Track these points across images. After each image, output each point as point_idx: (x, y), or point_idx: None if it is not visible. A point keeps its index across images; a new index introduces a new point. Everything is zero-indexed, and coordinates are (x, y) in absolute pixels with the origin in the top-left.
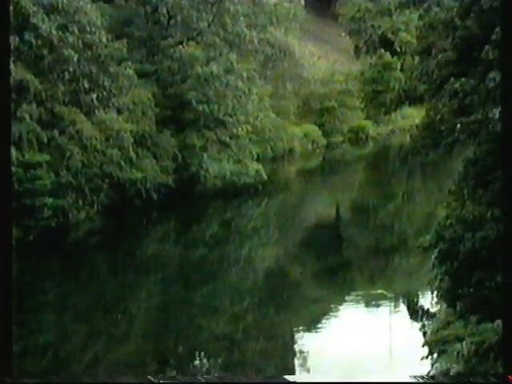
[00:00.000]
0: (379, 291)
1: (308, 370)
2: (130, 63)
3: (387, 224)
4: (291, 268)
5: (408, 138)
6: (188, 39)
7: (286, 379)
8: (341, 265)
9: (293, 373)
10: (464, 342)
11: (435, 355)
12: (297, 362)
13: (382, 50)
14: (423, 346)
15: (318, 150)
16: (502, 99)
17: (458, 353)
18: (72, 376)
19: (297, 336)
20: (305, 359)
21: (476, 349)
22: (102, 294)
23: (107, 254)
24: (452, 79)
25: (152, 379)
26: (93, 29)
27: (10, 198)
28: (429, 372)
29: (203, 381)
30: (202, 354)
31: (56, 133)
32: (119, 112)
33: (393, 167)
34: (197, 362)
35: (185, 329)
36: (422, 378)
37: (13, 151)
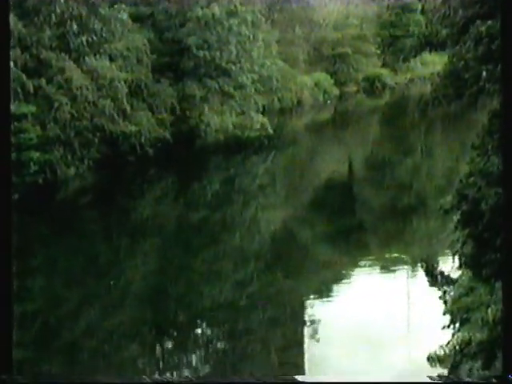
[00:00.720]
0: (396, 255)
1: (318, 340)
2: (123, 6)
3: (405, 182)
4: (300, 230)
5: (428, 87)
6: None
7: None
8: (354, 227)
9: (301, 343)
10: (489, 309)
11: (457, 324)
12: (306, 331)
13: None
14: (444, 315)
15: (329, 101)
16: (502, 99)
17: (482, 320)
18: (71, 376)
19: (306, 304)
20: (315, 329)
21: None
22: (95, 258)
23: (99, 214)
24: (478, 22)
25: (147, 379)
26: None
27: (10, 198)
28: (449, 342)
29: (195, 381)
30: (204, 323)
31: (43, 82)
32: (112, 59)
33: (411, 119)
34: (198, 332)
35: (185, 296)
36: (440, 377)
37: None
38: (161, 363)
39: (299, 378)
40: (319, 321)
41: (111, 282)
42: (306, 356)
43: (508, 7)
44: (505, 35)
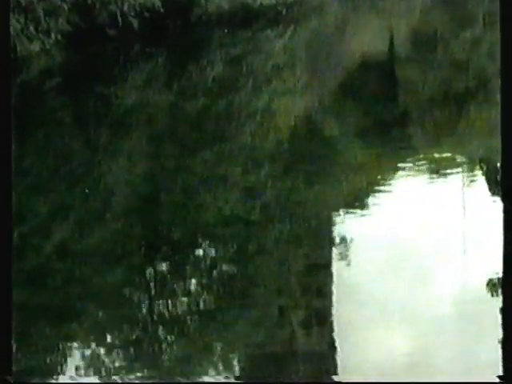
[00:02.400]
0: (448, 155)
1: (349, 263)
2: None
3: (461, 60)
4: (327, 124)
5: None
6: None
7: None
8: (396, 119)
9: (328, 266)
10: None
11: None
12: (334, 251)
13: None
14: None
15: None
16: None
17: None
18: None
19: (335, 218)
20: (345, 248)
21: None
22: (67, 158)
23: (71, 102)
24: None
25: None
26: None
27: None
28: None
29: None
30: (207, 241)
31: None
32: None
33: None
34: (199, 252)
35: (182, 207)
36: None
37: None
38: (152, 291)
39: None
40: (351, 239)
41: (86, 191)
42: (335, 281)
43: (508, 7)
44: (505, 34)
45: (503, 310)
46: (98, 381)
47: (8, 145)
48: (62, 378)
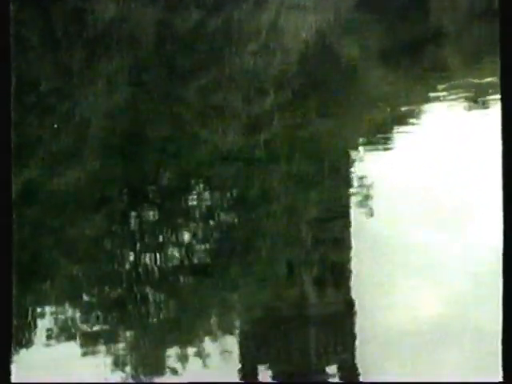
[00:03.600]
0: (490, 79)
1: (369, 211)
2: None
3: None
4: (344, 43)
5: None
6: None
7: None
8: (427, 36)
9: (346, 214)
10: None
11: None
12: (352, 196)
13: None
14: None
15: None
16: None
17: None
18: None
19: (353, 156)
20: (365, 192)
21: None
22: (34, 85)
23: (39, 18)
24: None
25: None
26: None
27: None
28: None
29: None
30: (201, 184)
31: None
32: None
33: None
34: (192, 199)
35: (172, 143)
36: None
37: None
38: (137, 243)
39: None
40: (372, 182)
41: (55, 126)
42: (353, 231)
43: (508, 7)
44: (504, 35)
45: (504, 310)
46: (78, 347)
47: (8, 144)
48: (32, 347)
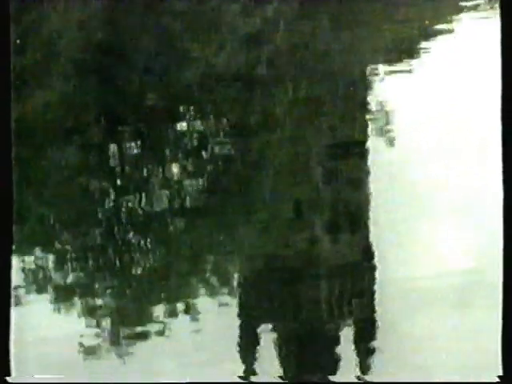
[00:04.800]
0: None
1: (388, 141)
2: None
3: None
4: None
5: None
6: None
7: None
8: None
9: (363, 141)
10: None
11: None
12: (370, 124)
13: None
14: None
15: None
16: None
17: None
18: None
19: (371, 76)
20: (384, 119)
21: None
22: None
23: None
24: None
25: None
26: None
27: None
28: None
29: None
30: (192, 109)
31: None
32: None
33: None
34: (182, 126)
35: (155, 59)
36: None
37: None
38: (118, 180)
39: None
40: (392, 108)
41: (17, 41)
42: (371, 166)
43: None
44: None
45: (503, 310)
46: (49, 303)
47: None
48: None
